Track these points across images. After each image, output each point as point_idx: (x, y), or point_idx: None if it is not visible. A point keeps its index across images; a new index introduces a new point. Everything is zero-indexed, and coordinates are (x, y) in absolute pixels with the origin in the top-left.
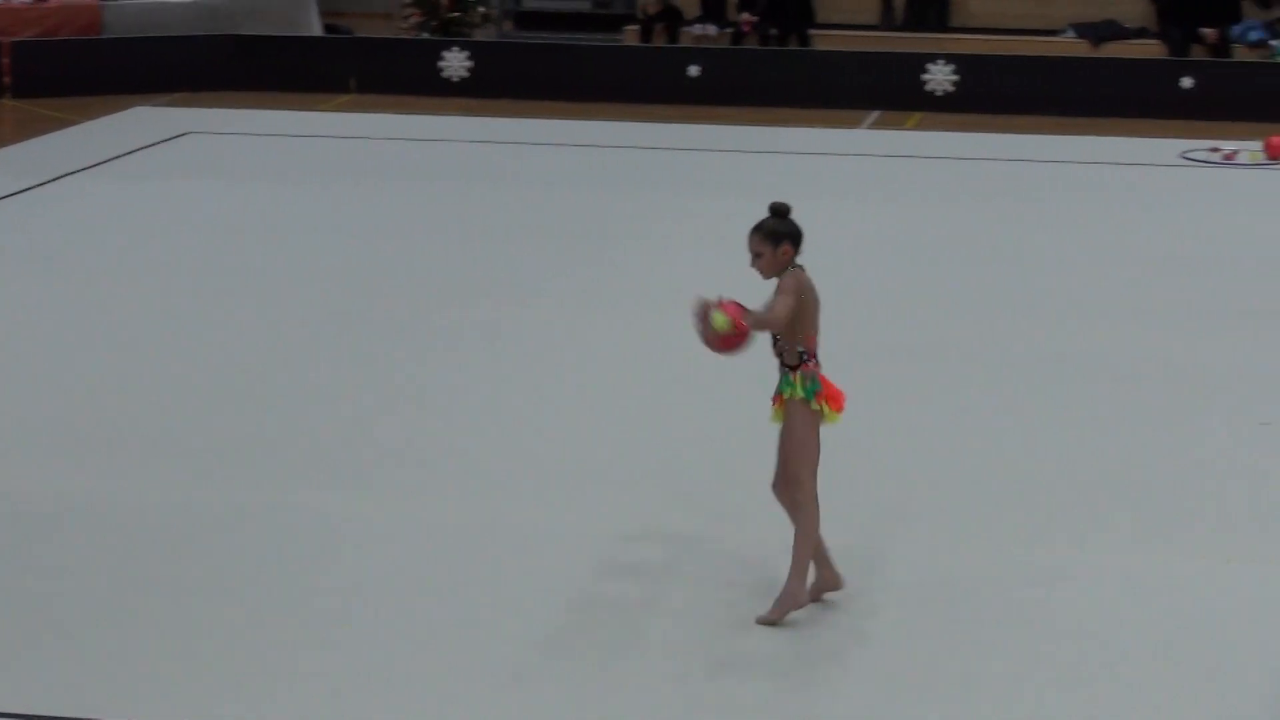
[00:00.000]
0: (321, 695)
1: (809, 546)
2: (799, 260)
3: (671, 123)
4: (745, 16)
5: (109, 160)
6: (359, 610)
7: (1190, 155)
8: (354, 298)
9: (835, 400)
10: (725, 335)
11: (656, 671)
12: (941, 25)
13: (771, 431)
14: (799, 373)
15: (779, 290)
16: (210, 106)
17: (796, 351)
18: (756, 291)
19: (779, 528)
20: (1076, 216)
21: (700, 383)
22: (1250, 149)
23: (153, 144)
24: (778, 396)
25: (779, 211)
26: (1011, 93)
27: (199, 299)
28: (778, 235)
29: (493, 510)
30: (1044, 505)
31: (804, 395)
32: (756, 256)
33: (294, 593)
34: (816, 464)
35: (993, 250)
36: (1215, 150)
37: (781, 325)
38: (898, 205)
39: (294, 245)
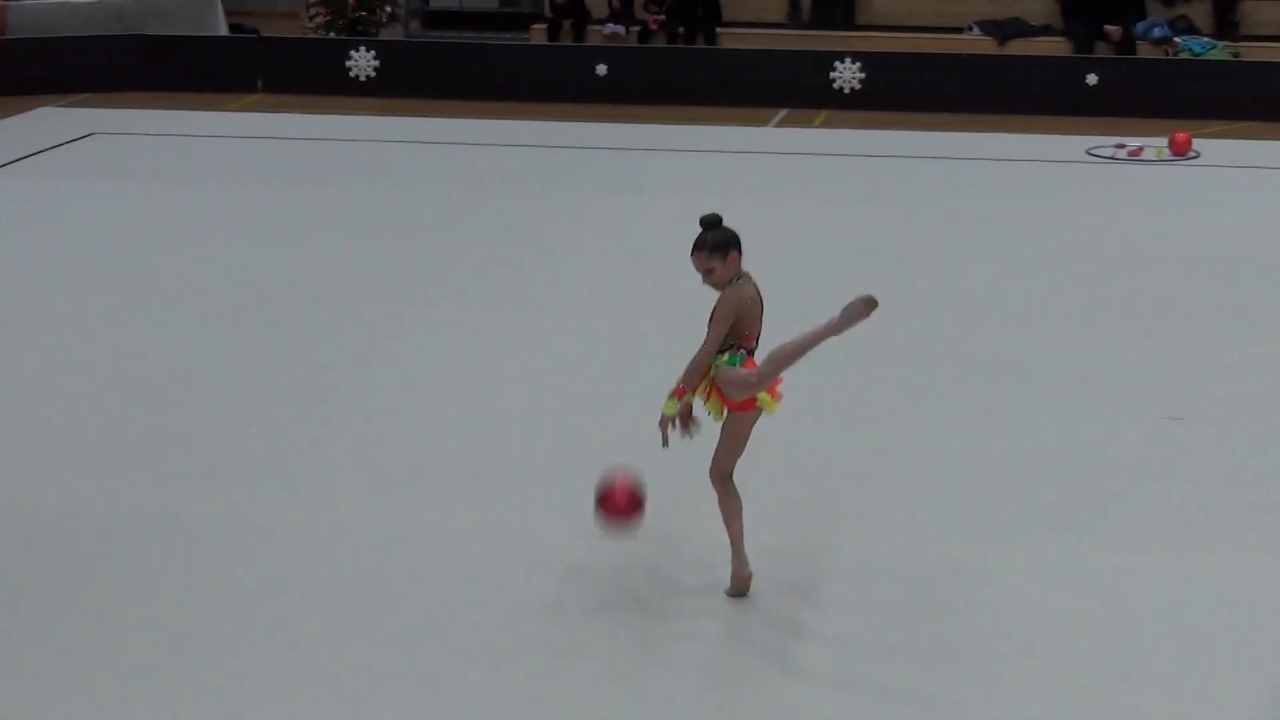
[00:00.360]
0: (238, 698)
1: (738, 522)
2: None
3: (579, 121)
4: (653, 13)
5: (14, 161)
6: (279, 613)
7: (1096, 152)
8: (263, 299)
9: (772, 391)
10: (682, 409)
11: (587, 672)
12: (848, 23)
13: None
14: (726, 354)
15: (711, 320)
16: (116, 107)
17: (730, 345)
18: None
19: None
20: (983, 213)
21: (620, 381)
22: (1155, 145)
23: (58, 144)
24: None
25: (712, 223)
26: (918, 90)
27: (107, 300)
28: (723, 245)
29: (417, 511)
30: (960, 502)
31: (731, 362)
32: (708, 273)
33: (214, 595)
34: (739, 455)
35: (900, 247)
36: (1121, 147)
37: (708, 363)
38: (805, 203)
39: (202, 246)
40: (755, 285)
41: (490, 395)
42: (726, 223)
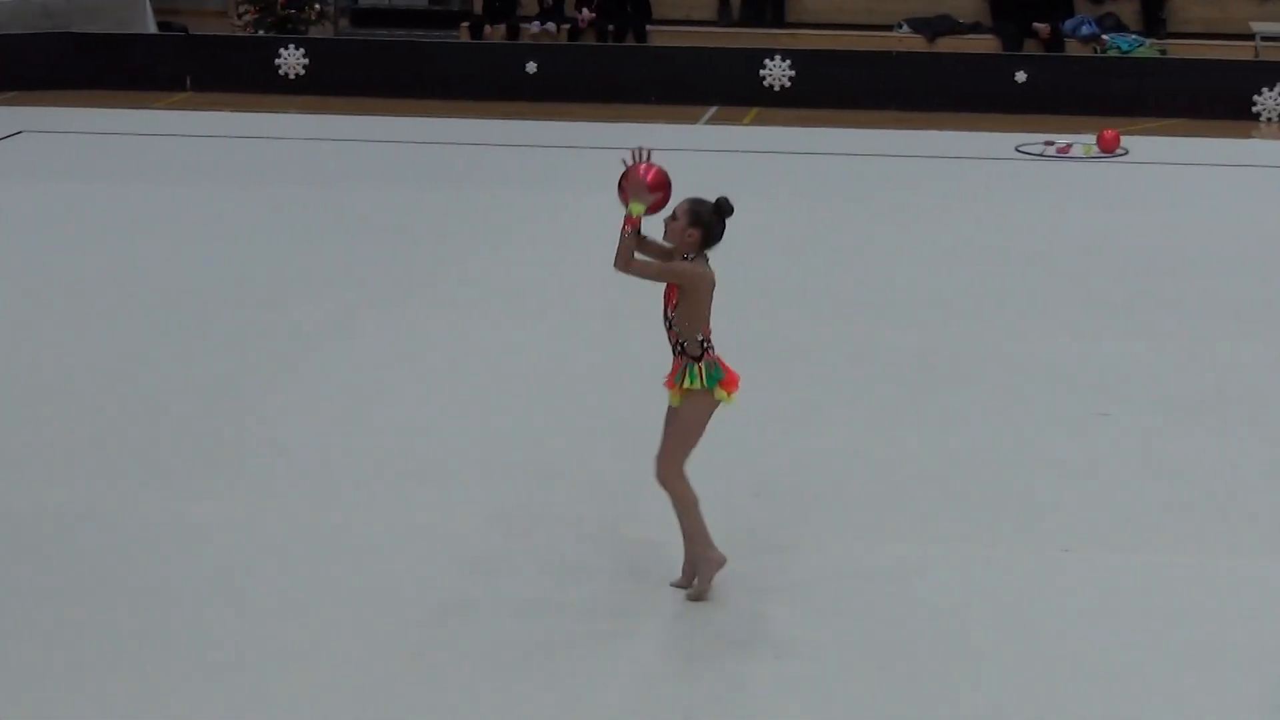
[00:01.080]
0: (174, 698)
1: (695, 514)
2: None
3: (509, 119)
4: (584, 13)
5: None
6: (215, 612)
7: (1025, 149)
8: (193, 297)
9: (732, 384)
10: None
11: (522, 672)
12: (778, 21)
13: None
14: (703, 363)
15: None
16: (44, 105)
17: (698, 341)
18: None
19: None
20: (912, 211)
21: (554, 377)
22: (1084, 142)
23: None
24: (675, 383)
25: (720, 208)
26: (848, 88)
27: (35, 299)
28: (695, 217)
29: (353, 510)
30: (889, 499)
31: (707, 386)
32: (672, 219)
33: (149, 595)
34: (693, 448)
35: (831, 245)
36: (1049, 144)
37: (657, 277)
38: (735, 200)
39: (131, 244)
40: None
41: (424, 393)
42: (654, 218)
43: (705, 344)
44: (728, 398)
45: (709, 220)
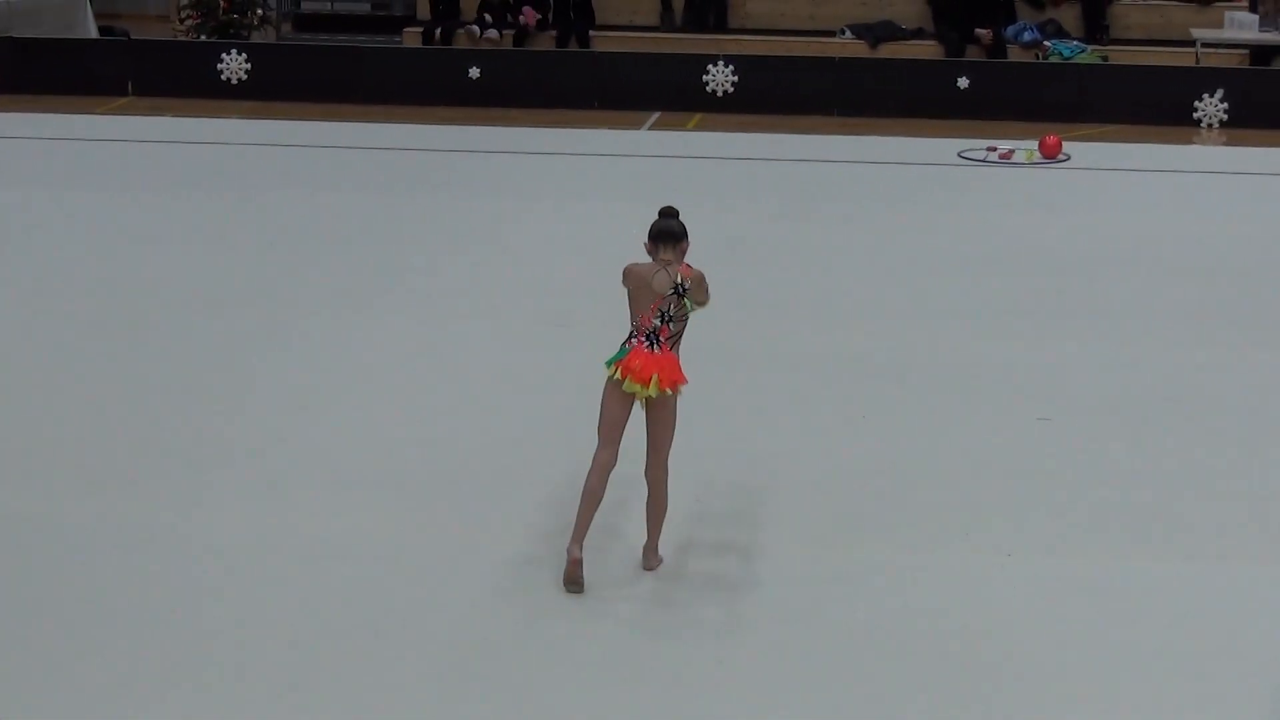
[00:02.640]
0: (116, 706)
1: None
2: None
3: (452, 125)
4: (528, 13)
5: None
6: (158, 618)
7: (967, 154)
8: (133, 304)
9: (628, 370)
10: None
11: (465, 677)
12: (721, 27)
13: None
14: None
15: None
16: None
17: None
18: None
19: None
20: (855, 216)
21: (495, 382)
22: (1026, 148)
23: None
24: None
25: (664, 213)
26: (791, 93)
27: None
28: (649, 233)
29: (290, 515)
30: (829, 504)
31: (606, 364)
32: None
33: (91, 601)
34: (601, 423)
35: (772, 250)
36: (992, 149)
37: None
38: (679, 206)
39: (71, 250)
40: (667, 274)
41: (364, 399)
42: (596, 224)
43: (631, 333)
44: (631, 385)
45: (653, 226)
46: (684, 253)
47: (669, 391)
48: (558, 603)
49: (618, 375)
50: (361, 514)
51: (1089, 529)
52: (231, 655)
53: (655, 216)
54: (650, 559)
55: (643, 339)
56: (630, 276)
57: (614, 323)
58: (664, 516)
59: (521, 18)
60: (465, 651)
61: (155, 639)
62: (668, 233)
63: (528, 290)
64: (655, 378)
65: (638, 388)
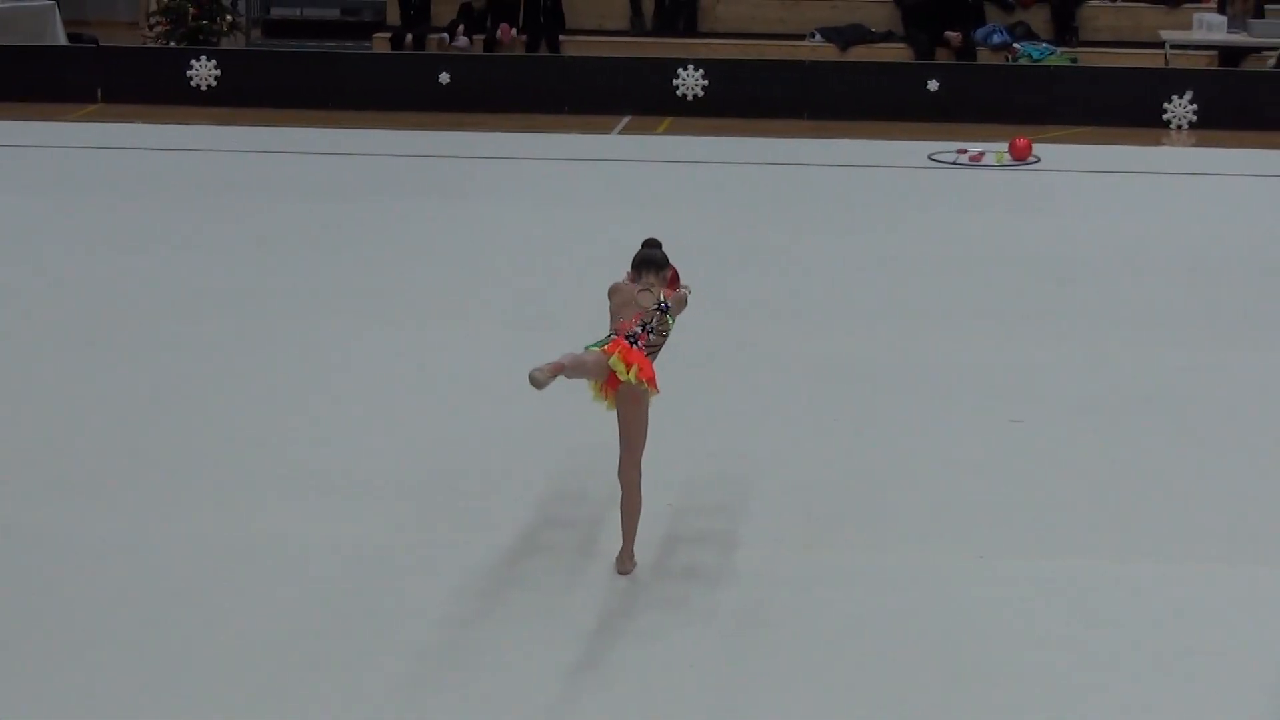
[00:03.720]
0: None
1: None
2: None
3: (422, 130)
4: (504, 29)
5: None
6: (116, 628)
7: (938, 157)
8: (102, 310)
9: (610, 353)
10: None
11: (436, 683)
12: (690, 31)
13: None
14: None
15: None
16: None
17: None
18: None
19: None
20: (827, 219)
21: (467, 388)
22: (996, 150)
23: None
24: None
25: (648, 244)
26: (761, 97)
27: None
28: (632, 263)
29: (257, 520)
30: (799, 506)
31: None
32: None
33: (45, 611)
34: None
35: (745, 254)
36: (962, 152)
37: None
38: (650, 210)
39: (40, 256)
40: (652, 294)
41: (333, 404)
42: (568, 229)
43: (612, 333)
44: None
45: (637, 255)
46: (667, 280)
47: (645, 385)
48: (532, 607)
49: (605, 353)
50: (340, 519)
51: (1062, 530)
52: (208, 661)
53: (627, 220)
54: (624, 563)
55: (622, 338)
56: (616, 292)
57: (590, 325)
58: (638, 519)
59: (498, 33)
60: (441, 656)
61: (133, 644)
62: (650, 261)
63: (501, 294)
64: (636, 367)
65: (620, 366)
